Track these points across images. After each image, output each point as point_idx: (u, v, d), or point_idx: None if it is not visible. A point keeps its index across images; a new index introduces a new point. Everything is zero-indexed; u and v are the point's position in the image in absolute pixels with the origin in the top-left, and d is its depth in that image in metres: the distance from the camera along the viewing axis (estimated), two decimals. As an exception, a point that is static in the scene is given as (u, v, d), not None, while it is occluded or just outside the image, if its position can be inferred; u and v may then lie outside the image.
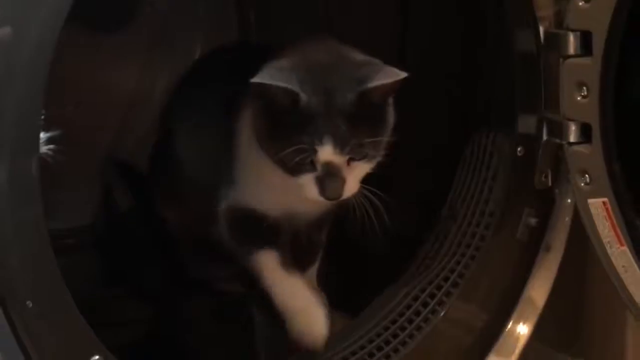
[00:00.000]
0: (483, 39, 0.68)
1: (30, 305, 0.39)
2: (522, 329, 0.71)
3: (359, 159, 0.57)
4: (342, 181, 0.56)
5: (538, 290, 0.71)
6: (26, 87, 0.39)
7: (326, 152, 0.54)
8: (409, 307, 0.68)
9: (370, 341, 0.68)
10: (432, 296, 0.67)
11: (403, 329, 0.68)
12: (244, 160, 0.63)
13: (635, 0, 0.56)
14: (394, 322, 0.67)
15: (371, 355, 0.66)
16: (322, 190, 0.56)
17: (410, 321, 0.68)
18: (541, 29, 0.64)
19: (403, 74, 0.54)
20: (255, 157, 0.61)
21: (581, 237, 0.69)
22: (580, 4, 0.57)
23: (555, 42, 0.63)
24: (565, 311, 0.81)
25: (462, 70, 0.70)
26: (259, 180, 0.63)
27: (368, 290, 0.71)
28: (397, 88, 0.57)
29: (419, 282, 0.68)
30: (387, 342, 0.66)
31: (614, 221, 0.61)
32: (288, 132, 0.55)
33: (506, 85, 0.67)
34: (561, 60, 0.62)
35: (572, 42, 0.61)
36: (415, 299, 0.68)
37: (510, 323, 0.70)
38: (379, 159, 0.59)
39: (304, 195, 0.58)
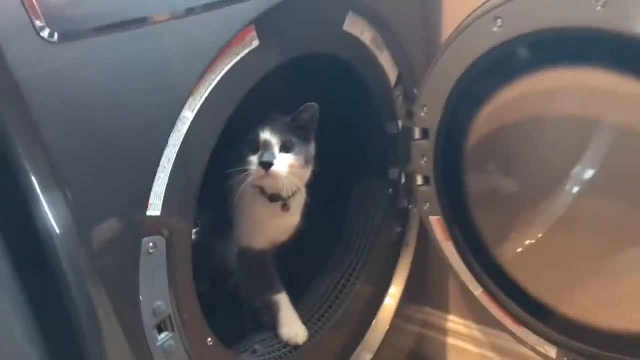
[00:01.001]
0: (369, 125, 0.99)
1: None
2: (395, 293, 1.07)
3: (288, 151, 0.82)
4: (274, 155, 0.81)
5: (402, 270, 1.07)
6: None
7: (265, 134, 0.81)
8: (335, 288, 0.99)
9: (315, 312, 0.97)
10: (347, 281, 0.99)
11: (334, 301, 0.98)
12: (241, 214, 0.90)
13: (451, 112, 0.92)
14: (327, 299, 0.98)
15: (319, 320, 0.95)
16: (260, 157, 0.80)
17: (336, 297, 0.98)
18: (400, 123, 0.98)
19: (314, 104, 0.83)
20: (247, 208, 0.88)
21: (425, 236, 1.03)
22: (422, 114, 0.92)
23: (408, 131, 0.96)
24: (416, 279, 1.12)
25: (357, 142, 1.02)
26: (253, 225, 0.90)
27: (307, 279, 1.02)
28: (315, 120, 0.85)
29: (337, 273, 1.00)
30: (326, 311, 0.96)
31: (443, 227, 0.98)
32: (247, 135, 0.82)
33: (382, 152, 1.01)
34: (411, 140, 0.95)
35: (417, 132, 0.94)
36: (337, 283, 1.00)
37: (390, 289, 1.06)
38: (305, 167, 0.85)
39: (251, 174, 0.80)
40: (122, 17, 0.55)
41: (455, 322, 1.28)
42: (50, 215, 0.54)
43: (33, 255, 0.55)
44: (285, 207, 0.90)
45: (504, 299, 0.97)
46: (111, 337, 0.61)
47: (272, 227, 0.93)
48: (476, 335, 1.25)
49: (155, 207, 0.62)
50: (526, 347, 0.96)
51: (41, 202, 0.54)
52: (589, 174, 0.93)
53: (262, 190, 0.88)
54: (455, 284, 1.24)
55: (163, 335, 0.67)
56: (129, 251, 0.61)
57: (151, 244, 0.63)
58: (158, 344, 0.66)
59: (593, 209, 0.94)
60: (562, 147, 0.95)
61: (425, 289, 1.25)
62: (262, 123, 0.84)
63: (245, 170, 0.82)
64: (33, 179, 0.53)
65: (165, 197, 0.62)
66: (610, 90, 0.85)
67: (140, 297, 0.62)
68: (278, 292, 0.93)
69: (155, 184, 0.61)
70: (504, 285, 0.97)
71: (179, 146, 0.63)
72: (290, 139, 0.84)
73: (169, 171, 0.62)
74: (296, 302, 0.95)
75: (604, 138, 0.91)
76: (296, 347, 0.90)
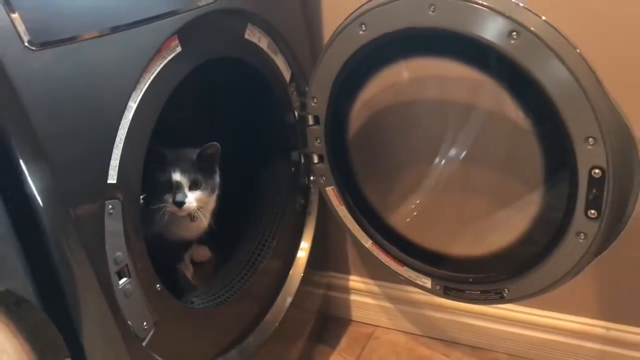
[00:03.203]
0: (271, 116, 1.18)
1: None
2: (305, 247, 1.28)
3: (196, 188, 1.01)
4: (185, 195, 1.00)
5: (308, 233, 1.28)
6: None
7: (176, 175, 1.00)
8: (255, 250, 1.17)
9: (240, 269, 1.15)
10: (264, 244, 1.18)
11: (247, 271, 1.15)
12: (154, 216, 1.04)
13: (335, 101, 1.19)
14: (249, 258, 1.17)
15: (234, 285, 1.12)
16: (174, 198, 0.99)
17: (243, 276, 1.15)
18: (296, 113, 1.19)
19: (216, 144, 1.03)
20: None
21: (325, 205, 1.23)
22: (313, 104, 1.12)
23: (302, 119, 1.16)
24: (320, 248, 1.32)
25: (263, 131, 1.22)
26: (164, 229, 1.07)
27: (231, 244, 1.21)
28: (217, 156, 1.03)
29: (257, 237, 1.19)
30: (249, 268, 1.15)
31: (337, 195, 1.19)
32: (161, 176, 1.00)
33: (283, 138, 1.20)
34: (306, 126, 1.15)
35: (310, 119, 1.13)
36: (257, 247, 1.18)
37: (300, 245, 1.27)
38: (211, 195, 1.05)
39: (167, 209, 0.99)
40: (82, 30, 0.73)
41: (355, 281, 1.52)
42: (33, 186, 0.71)
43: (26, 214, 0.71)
44: (193, 218, 1.08)
45: (389, 246, 1.21)
46: (85, 281, 0.77)
47: (181, 232, 1.11)
48: (373, 289, 1.49)
49: (112, 177, 0.79)
50: (408, 283, 1.21)
51: (26, 175, 0.70)
52: (454, 147, 1.20)
53: None
54: (353, 249, 1.48)
55: (123, 280, 0.83)
56: (96, 212, 0.77)
57: (110, 206, 0.79)
58: (119, 287, 0.83)
59: (458, 176, 1.20)
60: (429, 126, 1.21)
61: (328, 256, 1.47)
62: (173, 165, 1.01)
63: (164, 206, 1.01)
64: (20, 159, 0.69)
65: (119, 168, 0.79)
66: (458, 77, 1.11)
67: (106, 247, 0.79)
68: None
69: (112, 158, 0.79)
70: (388, 236, 1.21)
71: (127, 128, 0.80)
72: (197, 177, 1.02)
73: (121, 148, 0.80)
74: (225, 261, 1.17)
75: (462, 117, 1.18)
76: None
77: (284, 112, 1.20)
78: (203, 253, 1.20)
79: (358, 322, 1.54)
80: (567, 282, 0.99)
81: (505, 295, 1.08)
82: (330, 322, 1.52)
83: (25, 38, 0.68)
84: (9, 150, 0.69)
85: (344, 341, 1.48)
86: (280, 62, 1.15)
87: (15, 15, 0.67)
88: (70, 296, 0.75)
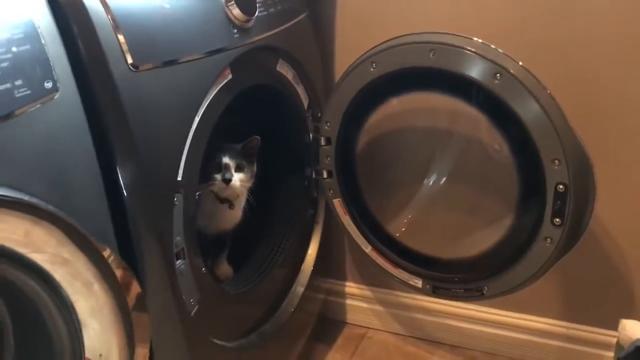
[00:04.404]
0: (290, 137, 1.38)
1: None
2: (313, 249, 1.47)
3: (240, 171, 1.19)
4: (232, 174, 1.17)
5: (315, 238, 1.46)
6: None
7: (225, 159, 1.17)
8: (272, 249, 1.34)
9: (261, 263, 1.32)
10: (279, 245, 1.35)
11: (260, 273, 1.31)
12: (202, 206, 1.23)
13: (346, 126, 1.42)
14: (267, 255, 1.34)
15: (266, 267, 1.30)
16: (223, 175, 1.16)
17: (262, 272, 1.31)
18: (310, 135, 1.39)
19: (257, 137, 1.21)
20: (203, 204, 1.20)
21: (331, 214, 1.41)
22: (326, 127, 1.35)
23: (316, 140, 1.35)
24: (322, 258, 1.47)
25: (282, 149, 1.40)
26: (205, 218, 1.22)
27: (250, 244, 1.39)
28: (257, 147, 1.22)
29: (275, 238, 1.37)
30: (269, 262, 1.31)
31: (342, 206, 1.38)
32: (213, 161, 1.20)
33: (299, 155, 1.39)
34: (319, 147, 1.35)
35: (323, 140, 1.32)
36: (274, 246, 1.35)
37: (309, 249, 1.45)
38: (250, 180, 1.22)
39: (216, 186, 1.17)
40: (169, 57, 0.94)
41: (351, 287, 1.69)
42: (122, 179, 0.90)
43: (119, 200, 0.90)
44: (231, 206, 1.27)
45: (386, 251, 1.40)
46: (154, 256, 0.96)
47: (219, 220, 1.29)
48: (367, 294, 1.67)
49: (179, 175, 0.99)
50: (401, 283, 1.41)
51: (118, 171, 0.89)
52: (443, 168, 1.41)
53: (216, 195, 1.24)
54: (350, 258, 1.67)
55: (179, 261, 1.01)
56: (168, 202, 0.96)
57: (176, 199, 0.99)
58: (177, 266, 1.01)
59: (447, 192, 1.41)
60: (422, 149, 1.42)
61: (329, 266, 1.64)
62: (223, 151, 1.21)
63: (212, 184, 1.20)
64: (117, 155, 0.89)
65: (184, 168, 0.99)
66: (448, 109, 1.34)
67: (173, 232, 0.98)
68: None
69: (181, 160, 0.98)
70: (386, 242, 1.40)
71: (191, 136, 1.00)
72: (242, 162, 1.21)
73: (186, 151, 0.99)
74: (250, 255, 1.36)
75: (450, 143, 1.40)
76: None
77: (301, 134, 1.40)
78: (227, 271, 1.36)
79: (352, 324, 1.71)
80: (537, 280, 1.20)
81: (485, 292, 1.29)
82: (327, 323, 1.69)
83: (129, 59, 0.88)
84: (110, 150, 0.88)
85: (339, 340, 1.65)
86: (301, 91, 1.36)
87: (121, 38, 0.87)
88: (142, 268, 0.93)
